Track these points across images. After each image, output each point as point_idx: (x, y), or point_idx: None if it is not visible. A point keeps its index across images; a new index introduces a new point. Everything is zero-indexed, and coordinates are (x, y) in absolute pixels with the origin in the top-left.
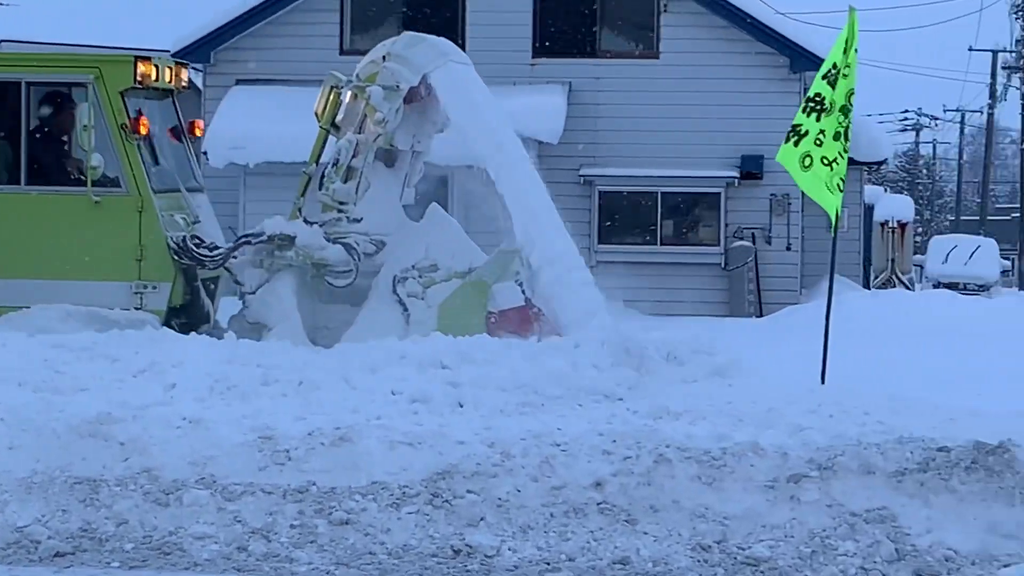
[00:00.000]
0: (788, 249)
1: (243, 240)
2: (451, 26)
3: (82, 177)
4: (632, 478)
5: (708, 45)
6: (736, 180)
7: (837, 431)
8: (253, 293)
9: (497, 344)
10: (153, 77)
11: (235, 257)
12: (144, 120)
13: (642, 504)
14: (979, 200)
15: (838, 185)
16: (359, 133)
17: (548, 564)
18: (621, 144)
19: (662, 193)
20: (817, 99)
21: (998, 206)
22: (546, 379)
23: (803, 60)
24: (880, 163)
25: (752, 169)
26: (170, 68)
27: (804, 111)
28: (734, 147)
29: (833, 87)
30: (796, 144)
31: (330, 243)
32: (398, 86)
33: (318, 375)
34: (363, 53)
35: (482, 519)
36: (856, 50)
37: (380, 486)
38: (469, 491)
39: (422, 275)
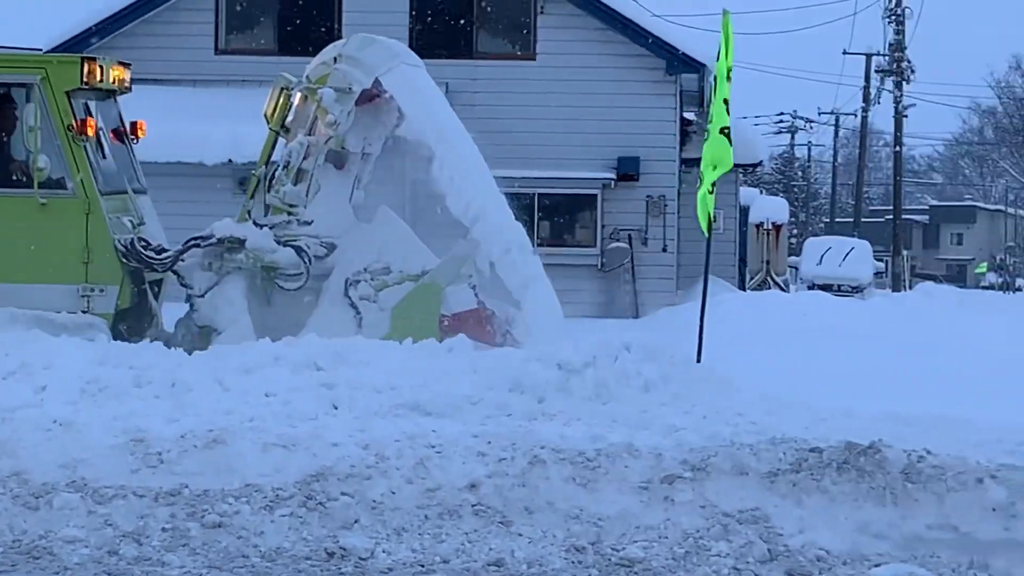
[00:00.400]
0: (664, 250)
1: (192, 243)
2: (326, 26)
3: (27, 179)
4: (507, 479)
5: (585, 47)
6: (613, 182)
7: (711, 432)
8: (202, 296)
9: (372, 345)
10: (98, 78)
11: (183, 260)
12: (91, 121)
13: (517, 505)
14: (853, 202)
15: (707, 188)
16: (309, 135)
17: (423, 566)
18: (498, 146)
19: (539, 195)
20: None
21: (872, 208)
22: (421, 380)
23: (679, 62)
24: (755, 165)
25: (628, 171)
26: (114, 69)
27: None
28: (611, 149)
29: (714, 92)
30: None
31: (281, 246)
32: (350, 88)
33: (191, 377)
34: (238, 52)
35: (356, 521)
36: (732, 53)
37: (253, 488)
38: (343, 493)
39: (374, 278)
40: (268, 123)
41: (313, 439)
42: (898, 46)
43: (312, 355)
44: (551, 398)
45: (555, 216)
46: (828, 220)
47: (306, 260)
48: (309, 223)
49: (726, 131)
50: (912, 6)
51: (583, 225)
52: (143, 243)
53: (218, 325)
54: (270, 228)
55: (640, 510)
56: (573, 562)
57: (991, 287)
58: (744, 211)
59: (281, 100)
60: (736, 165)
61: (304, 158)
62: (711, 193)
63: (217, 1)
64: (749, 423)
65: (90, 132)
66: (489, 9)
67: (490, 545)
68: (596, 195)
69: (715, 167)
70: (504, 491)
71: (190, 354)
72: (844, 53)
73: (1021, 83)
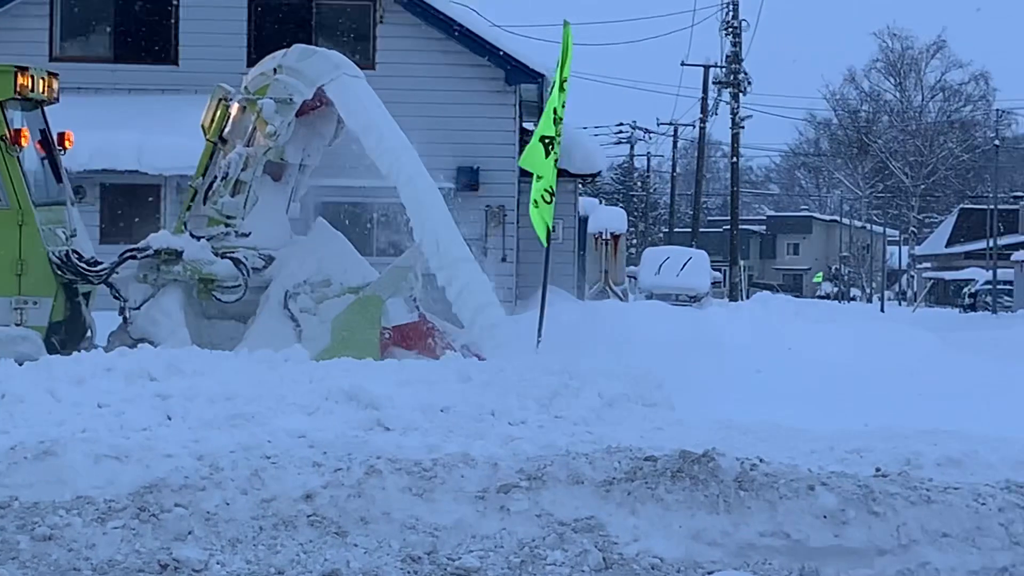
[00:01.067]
0: (504, 260)
1: (128, 254)
2: (163, 34)
3: None
4: (342, 490)
5: (424, 57)
6: (452, 192)
7: (547, 441)
8: (137, 308)
9: (206, 355)
10: (30, 88)
11: (118, 272)
12: (25, 132)
13: (352, 516)
14: (691, 212)
15: (543, 197)
16: (248, 146)
17: None
18: (337, 155)
19: (378, 204)
20: (555, 113)
21: (710, 218)
22: (257, 391)
23: (518, 73)
24: (594, 175)
25: (468, 181)
26: (43, 79)
27: (554, 122)
28: (450, 159)
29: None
30: (546, 155)
31: (218, 257)
32: (291, 99)
33: (22, 388)
34: (73, 59)
35: (190, 533)
36: (570, 64)
37: (85, 500)
38: (177, 504)
39: (314, 290)
40: (205, 134)
41: (146, 450)
42: (735, 58)
43: (145, 365)
44: (387, 408)
45: (394, 226)
46: (667, 230)
47: (244, 272)
48: (247, 235)
49: (547, 140)
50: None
51: None
52: (76, 255)
53: (155, 338)
54: (208, 240)
55: (476, 520)
56: (409, 572)
57: (827, 296)
58: (583, 221)
59: (219, 111)
60: (575, 175)
61: (242, 169)
62: (549, 203)
63: (52, 8)
64: (585, 432)
65: (24, 143)
66: (328, 18)
67: (325, 556)
68: None
69: (539, 177)
70: (340, 501)
71: None
72: (682, 65)
73: (856, 95)
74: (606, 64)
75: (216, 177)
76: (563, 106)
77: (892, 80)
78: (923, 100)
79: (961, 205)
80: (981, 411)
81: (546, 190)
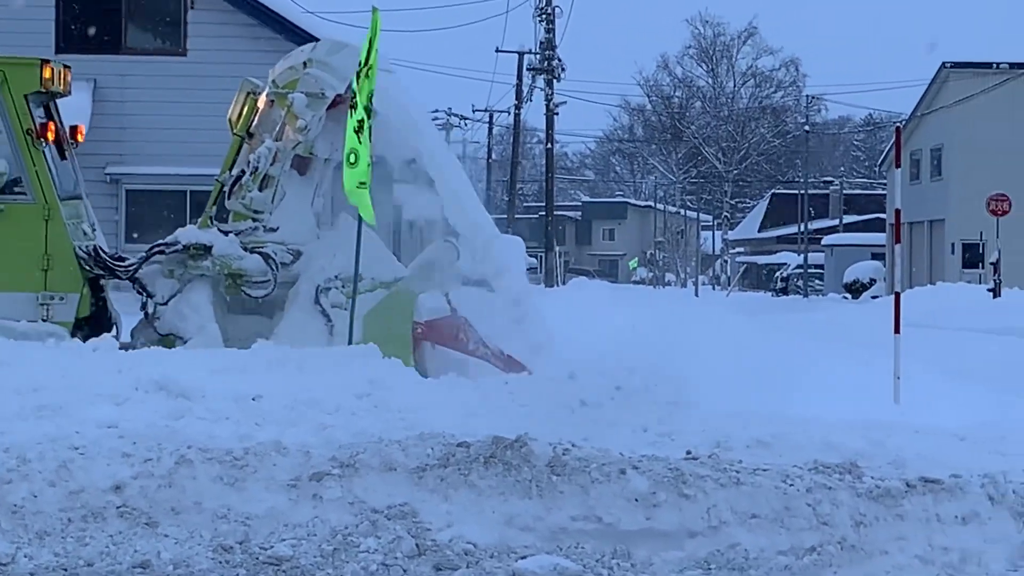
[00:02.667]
0: None
1: (156, 249)
2: None
3: None
4: (153, 480)
5: (235, 43)
6: None
7: (360, 428)
8: (164, 304)
9: (12, 346)
10: (53, 81)
11: (144, 267)
12: (52, 125)
13: (163, 506)
14: (507, 198)
15: (359, 183)
16: (276, 140)
17: (66, 570)
18: (149, 142)
19: (191, 192)
20: (353, 101)
21: (527, 204)
22: (65, 381)
23: None
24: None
25: None
26: (60, 72)
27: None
28: None
29: (359, 88)
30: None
31: (247, 252)
32: (323, 93)
33: None
34: None
35: None
36: (377, 50)
37: None
38: None
39: (345, 285)
40: (232, 128)
41: None
42: (549, 44)
43: None
44: (198, 398)
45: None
46: None
47: (273, 267)
48: (275, 229)
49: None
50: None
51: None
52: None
53: (184, 333)
54: (236, 235)
55: (288, 508)
56: (221, 562)
57: (642, 282)
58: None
59: (247, 105)
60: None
61: (271, 164)
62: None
63: None
64: (398, 419)
65: (50, 136)
66: (138, 4)
67: (135, 547)
68: None
69: (352, 163)
70: (150, 492)
71: None
72: (497, 51)
73: (669, 81)
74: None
75: (243, 172)
76: (372, 94)
77: (704, 66)
78: (735, 86)
79: (773, 190)
80: (790, 393)
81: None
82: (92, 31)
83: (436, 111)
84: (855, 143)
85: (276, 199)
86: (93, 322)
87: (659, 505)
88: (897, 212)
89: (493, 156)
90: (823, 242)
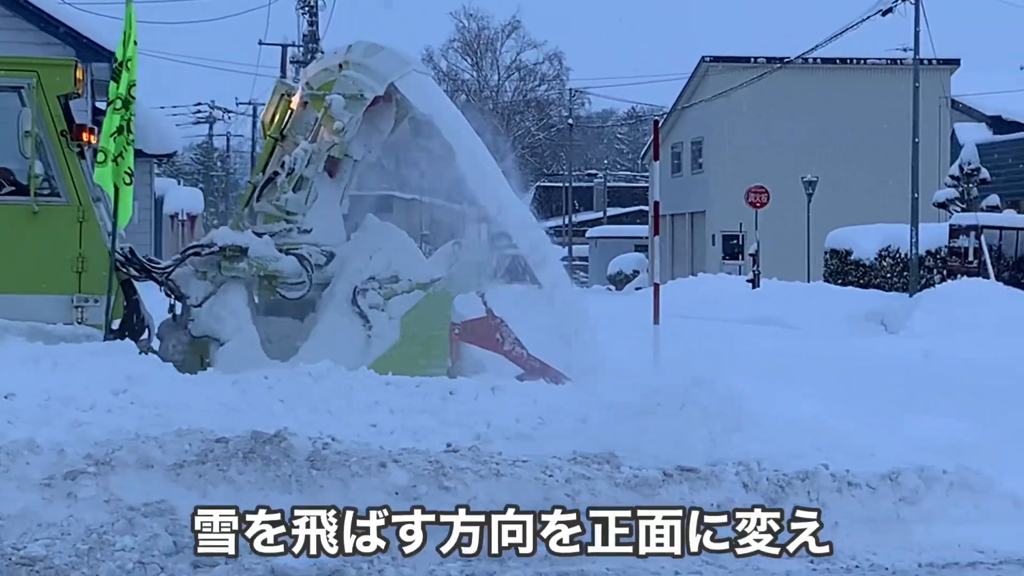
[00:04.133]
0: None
1: (192, 251)
2: None
3: (16, 186)
4: None
5: None
6: None
7: (116, 425)
8: (199, 306)
9: None
10: (82, 82)
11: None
12: (87, 127)
13: None
14: None
15: (124, 179)
16: (311, 142)
17: None
18: None
19: None
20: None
21: None
22: None
23: (88, 51)
24: (170, 155)
25: None
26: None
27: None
28: None
29: (117, 82)
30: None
31: (283, 254)
32: (362, 95)
33: None
34: None
35: None
36: (136, 42)
37: None
38: None
39: (383, 286)
40: (265, 130)
41: None
42: (312, 37)
43: None
44: None
45: None
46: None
47: (308, 268)
48: (308, 231)
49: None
50: None
51: None
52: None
53: (221, 335)
54: (270, 236)
55: (41, 507)
56: None
57: None
58: (159, 202)
59: (281, 106)
60: (151, 155)
61: (306, 165)
62: (128, 184)
63: None
64: (156, 415)
65: (85, 138)
66: None
67: None
68: None
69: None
70: None
71: (180, 366)
72: (260, 44)
73: (434, 74)
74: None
75: (276, 173)
76: (132, 86)
77: (469, 60)
78: (500, 80)
79: (538, 183)
80: (551, 384)
81: (128, 171)
82: None
83: (199, 104)
84: (619, 136)
85: (309, 201)
86: (126, 325)
87: (419, 498)
88: (656, 204)
89: (257, 149)
90: (587, 234)
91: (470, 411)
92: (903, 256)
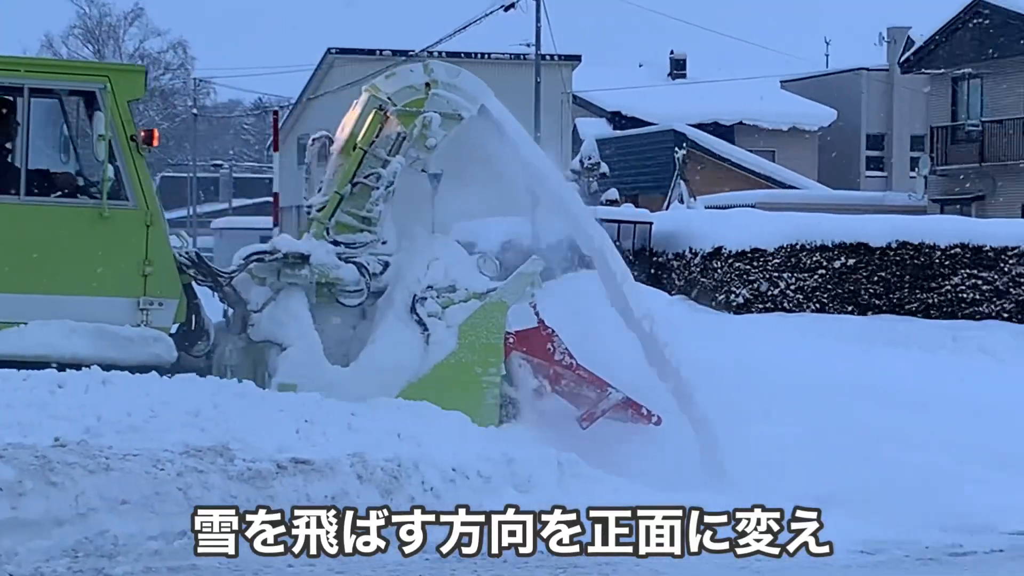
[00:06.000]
0: None
1: (255, 256)
2: None
3: (85, 188)
4: None
5: None
6: None
7: None
8: (259, 311)
9: None
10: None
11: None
12: (156, 132)
13: None
14: None
15: None
16: (393, 156)
17: None
18: None
19: None
20: None
21: None
22: None
23: None
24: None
25: None
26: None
27: None
28: None
29: None
30: None
31: (343, 262)
32: (459, 115)
33: None
34: None
35: None
36: None
37: None
38: None
39: (440, 295)
40: (353, 141)
41: None
42: None
43: None
44: None
45: None
46: None
47: (366, 276)
48: (386, 242)
49: None
50: None
51: None
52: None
53: (283, 340)
54: (350, 246)
55: None
56: None
57: None
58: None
59: (373, 120)
60: None
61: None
62: None
63: None
64: None
65: (156, 143)
66: None
67: None
68: None
69: None
70: None
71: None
72: None
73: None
74: None
75: (359, 184)
76: None
77: (91, 47)
78: None
79: (162, 173)
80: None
81: None
82: None
83: None
84: (245, 126)
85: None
86: (188, 328)
87: (25, 494)
88: (276, 195)
89: None
90: (212, 225)
91: (79, 404)
92: (526, 248)
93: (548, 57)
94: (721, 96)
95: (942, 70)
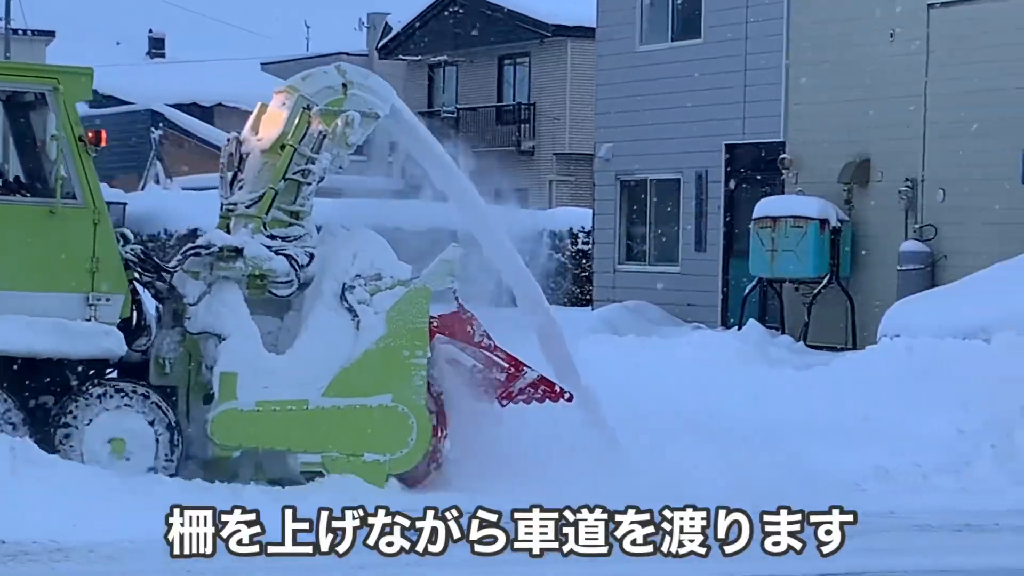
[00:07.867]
0: None
1: (192, 251)
2: None
3: (33, 187)
4: None
5: None
6: None
7: None
8: (195, 304)
9: None
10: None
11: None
12: (103, 132)
13: None
14: None
15: None
16: (316, 153)
17: None
18: None
19: None
20: None
21: None
22: None
23: None
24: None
25: None
26: None
27: None
28: None
29: None
30: None
31: (274, 254)
32: (376, 114)
33: None
34: None
35: None
36: None
37: None
38: None
39: (367, 283)
40: (283, 139)
41: None
42: None
43: None
44: None
45: None
46: None
47: (296, 267)
48: (311, 235)
49: None
50: None
51: None
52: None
53: (222, 331)
54: (292, 240)
55: None
56: None
57: None
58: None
59: (301, 118)
60: None
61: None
62: None
63: None
64: None
65: (103, 143)
66: None
67: None
68: None
69: None
70: None
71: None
72: None
73: None
74: None
75: (288, 180)
76: None
77: None
78: None
79: None
80: None
81: None
82: None
83: None
84: None
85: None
86: (129, 324)
87: None
88: None
89: None
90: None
91: None
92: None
93: (20, 32)
94: (201, 77)
95: (419, 57)
